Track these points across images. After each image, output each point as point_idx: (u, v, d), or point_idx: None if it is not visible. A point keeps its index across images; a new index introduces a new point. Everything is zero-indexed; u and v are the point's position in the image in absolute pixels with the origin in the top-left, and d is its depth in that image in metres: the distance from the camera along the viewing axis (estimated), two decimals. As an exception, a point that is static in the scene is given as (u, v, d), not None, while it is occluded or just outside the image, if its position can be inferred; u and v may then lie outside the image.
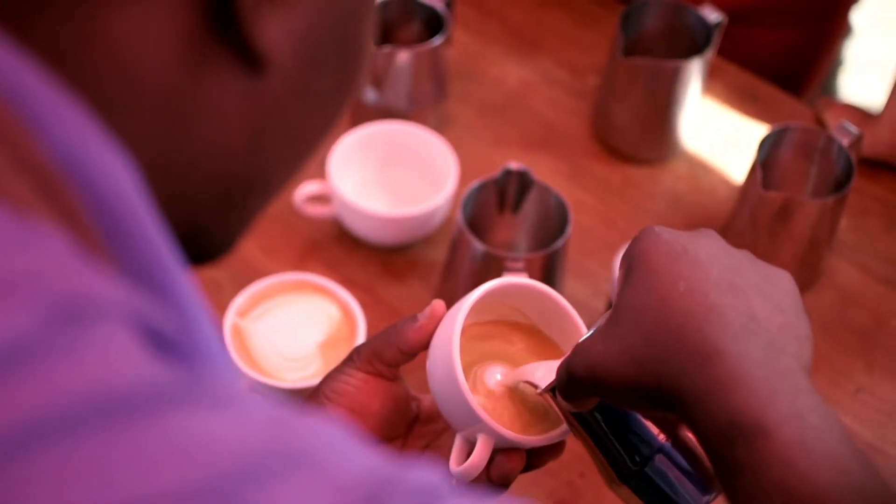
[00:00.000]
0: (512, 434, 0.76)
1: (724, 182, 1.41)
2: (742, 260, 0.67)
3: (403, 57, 1.32)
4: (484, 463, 0.77)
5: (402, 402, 0.83)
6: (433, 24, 1.38)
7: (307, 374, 1.11)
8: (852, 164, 1.24)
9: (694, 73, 1.35)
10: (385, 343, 0.81)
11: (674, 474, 0.73)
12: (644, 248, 0.67)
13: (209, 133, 0.47)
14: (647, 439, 0.74)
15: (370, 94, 1.36)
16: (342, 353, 1.02)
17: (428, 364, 0.80)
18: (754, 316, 0.63)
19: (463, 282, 1.18)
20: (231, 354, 0.51)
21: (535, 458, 0.80)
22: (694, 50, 1.38)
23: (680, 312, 0.63)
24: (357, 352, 0.82)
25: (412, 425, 0.85)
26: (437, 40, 1.33)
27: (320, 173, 1.33)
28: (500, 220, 1.27)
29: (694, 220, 1.36)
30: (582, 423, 0.75)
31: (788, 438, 0.58)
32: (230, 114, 0.47)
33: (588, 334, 0.70)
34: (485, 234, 1.25)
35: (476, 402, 0.76)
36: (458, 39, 1.50)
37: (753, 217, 1.25)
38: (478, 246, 1.14)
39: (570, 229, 1.18)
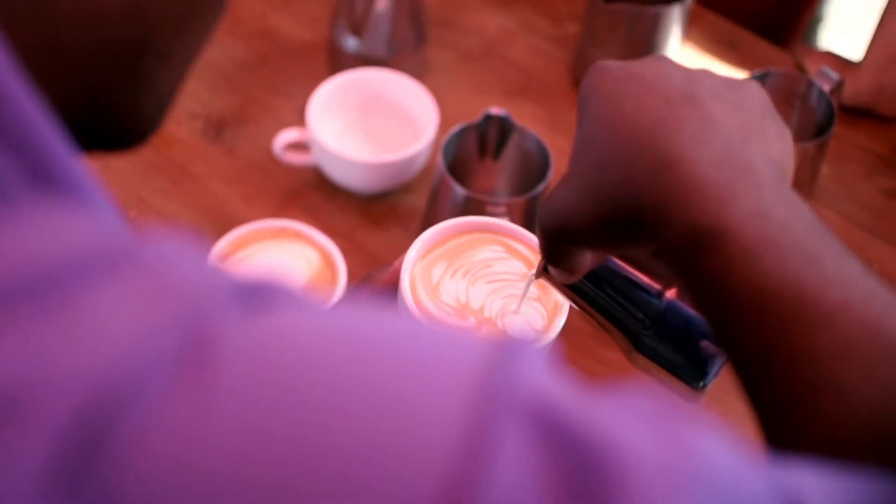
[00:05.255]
0: None
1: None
2: (698, 73, 0.63)
3: (383, 3, 1.31)
4: None
5: None
6: (412, -30, 1.37)
7: (288, 319, 1.10)
8: (833, 110, 1.23)
9: (674, 20, 1.34)
10: (360, 290, 0.79)
11: (684, 331, 0.70)
12: (591, 82, 0.63)
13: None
14: (652, 296, 0.71)
15: (349, 41, 1.34)
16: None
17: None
18: (711, 119, 0.59)
19: (444, 228, 1.17)
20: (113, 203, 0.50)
21: None
22: (674, -4, 1.37)
23: (628, 131, 0.59)
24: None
25: None
26: (417, -14, 1.32)
27: (300, 121, 1.32)
28: (480, 166, 1.26)
29: (674, 168, 1.36)
30: (583, 297, 0.73)
31: (751, 237, 0.55)
32: None
33: None
34: (465, 179, 1.24)
35: (417, 310, 0.74)
36: (436, -13, 1.49)
37: (734, 163, 1.24)
38: (459, 191, 1.13)
39: (551, 174, 1.17)
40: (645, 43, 1.36)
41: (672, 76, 0.62)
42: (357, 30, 1.33)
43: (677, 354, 0.70)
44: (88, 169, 0.46)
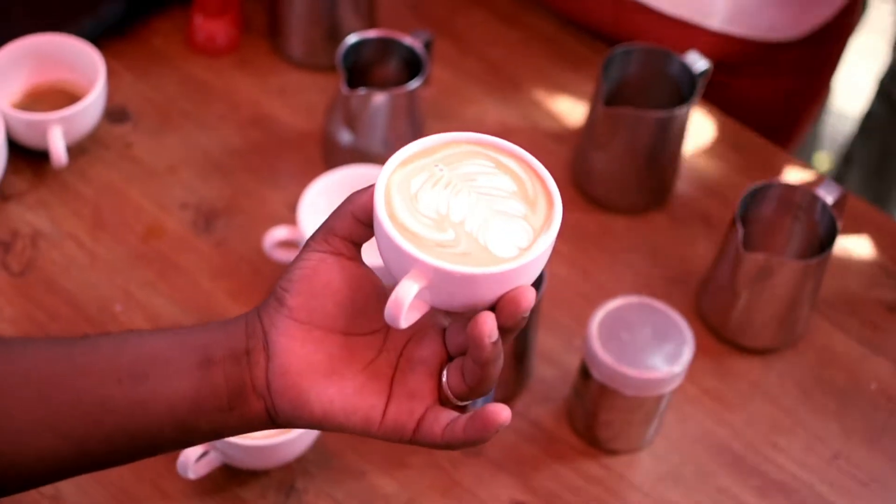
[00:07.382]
0: (436, 262, 0.68)
1: (705, 234, 1.38)
2: None
3: (379, 99, 1.28)
4: (405, 300, 0.68)
5: (369, 285, 0.75)
6: (411, 63, 1.35)
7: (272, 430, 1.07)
8: (836, 223, 1.21)
9: (677, 124, 1.31)
10: (338, 214, 0.74)
11: None
12: None
13: None
14: None
15: (344, 136, 1.32)
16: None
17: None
18: None
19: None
20: None
21: (500, 316, 0.70)
22: (678, 97, 1.34)
23: None
24: (311, 236, 0.75)
25: None
26: (415, 83, 1.30)
27: (291, 216, 1.30)
28: (473, 272, 1.23)
29: (672, 273, 1.33)
30: None
31: None
32: None
33: None
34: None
35: (390, 220, 0.69)
36: (435, 76, 1.46)
37: (734, 275, 1.22)
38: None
39: (545, 285, 1.15)
40: (647, 146, 1.33)
41: None
42: (352, 124, 1.31)
43: None
44: None
